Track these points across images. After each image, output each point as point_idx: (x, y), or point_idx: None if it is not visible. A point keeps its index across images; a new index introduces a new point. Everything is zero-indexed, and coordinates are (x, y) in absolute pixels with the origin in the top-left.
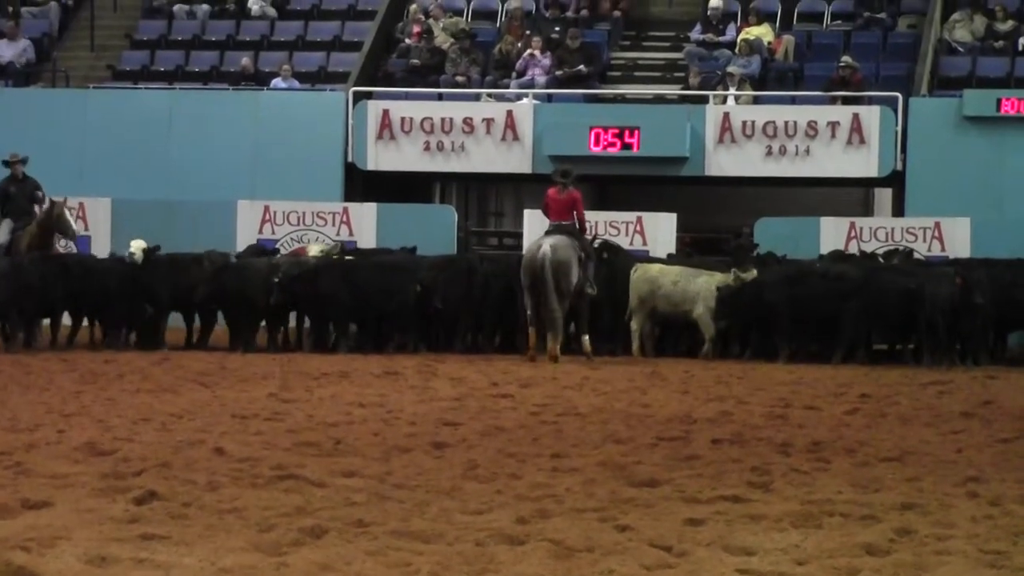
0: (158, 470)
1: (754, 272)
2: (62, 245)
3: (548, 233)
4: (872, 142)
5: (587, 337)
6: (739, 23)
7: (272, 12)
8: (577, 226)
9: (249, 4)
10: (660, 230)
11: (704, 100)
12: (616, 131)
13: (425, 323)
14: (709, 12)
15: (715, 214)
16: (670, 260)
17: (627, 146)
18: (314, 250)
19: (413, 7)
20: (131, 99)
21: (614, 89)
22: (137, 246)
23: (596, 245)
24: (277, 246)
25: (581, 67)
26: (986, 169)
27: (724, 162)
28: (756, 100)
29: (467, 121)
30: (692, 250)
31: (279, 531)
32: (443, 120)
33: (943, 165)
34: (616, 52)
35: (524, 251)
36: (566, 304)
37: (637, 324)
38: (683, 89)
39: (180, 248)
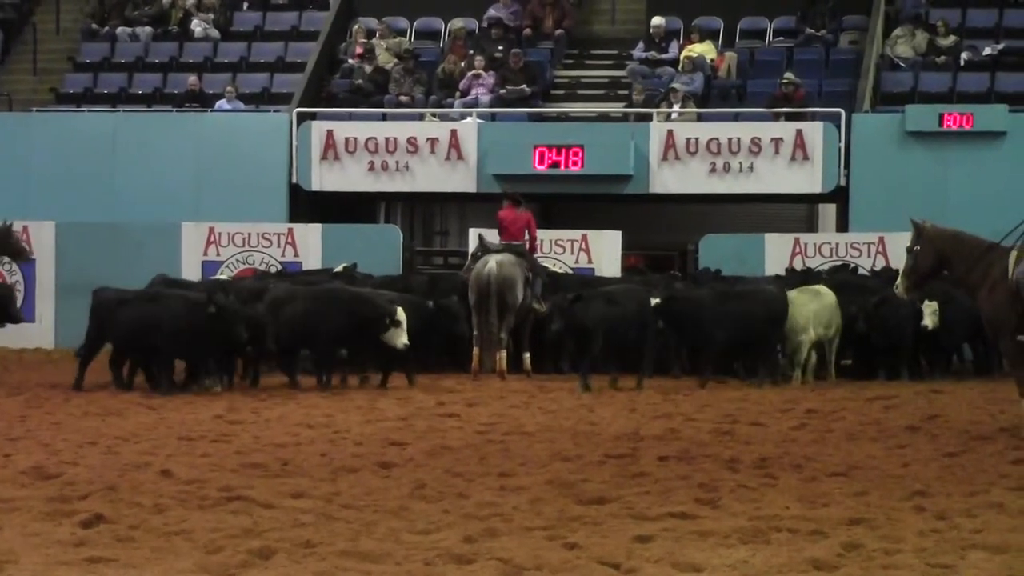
0: (104, 493)
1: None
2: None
3: (496, 251)
4: (815, 158)
5: (528, 355)
6: (682, 41)
7: (215, 34)
8: (527, 246)
9: (192, 26)
10: (605, 248)
11: (648, 118)
12: (560, 149)
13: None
14: (652, 30)
15: (660, 231)
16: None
17: (571, 164)
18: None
19: (356, 28)
20: (74, 122)
21: (557, 107)
22: None
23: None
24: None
25: (524, 86)
26: (929, 184)
27: (668, 179)
28: (699, 117)
29: (411, 141)
30: (645, 268)
31: (227, 553)
32: (387, 140)
33: (886, 180)
34: (559, 70)
35: (471, 269)
36: (511, 320)
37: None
38: (626, 107)
39: (125, 270)
